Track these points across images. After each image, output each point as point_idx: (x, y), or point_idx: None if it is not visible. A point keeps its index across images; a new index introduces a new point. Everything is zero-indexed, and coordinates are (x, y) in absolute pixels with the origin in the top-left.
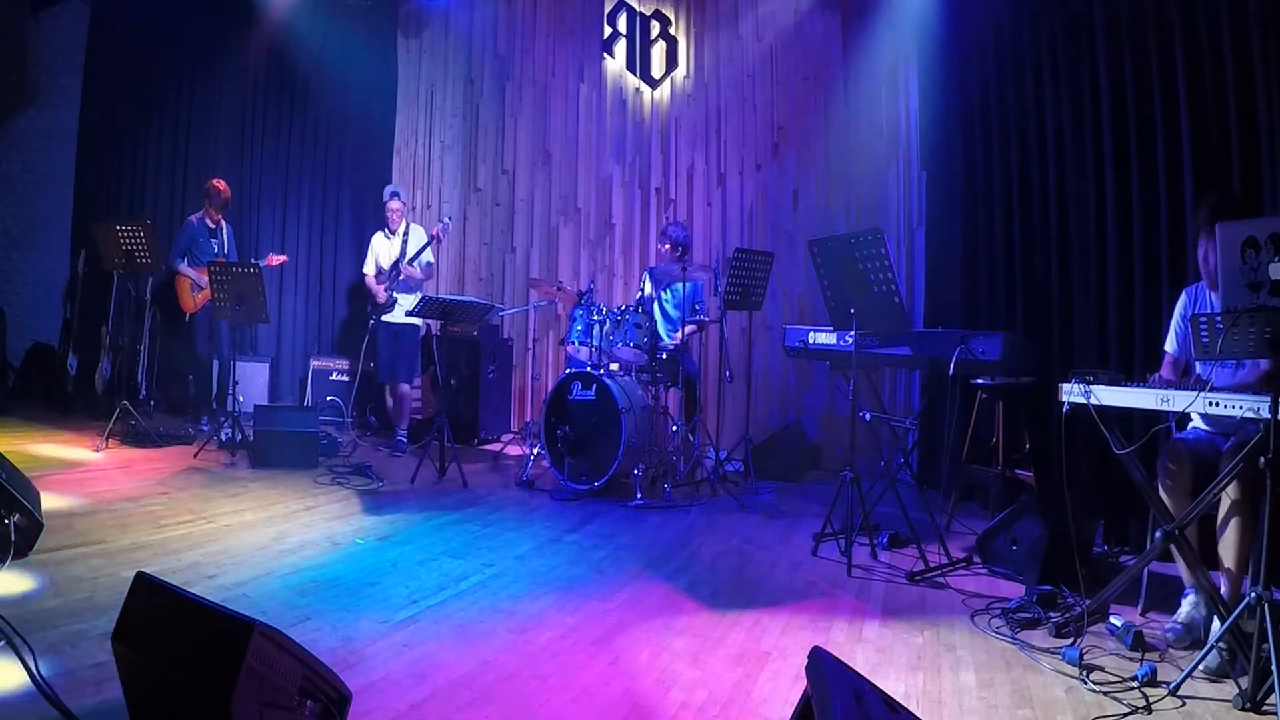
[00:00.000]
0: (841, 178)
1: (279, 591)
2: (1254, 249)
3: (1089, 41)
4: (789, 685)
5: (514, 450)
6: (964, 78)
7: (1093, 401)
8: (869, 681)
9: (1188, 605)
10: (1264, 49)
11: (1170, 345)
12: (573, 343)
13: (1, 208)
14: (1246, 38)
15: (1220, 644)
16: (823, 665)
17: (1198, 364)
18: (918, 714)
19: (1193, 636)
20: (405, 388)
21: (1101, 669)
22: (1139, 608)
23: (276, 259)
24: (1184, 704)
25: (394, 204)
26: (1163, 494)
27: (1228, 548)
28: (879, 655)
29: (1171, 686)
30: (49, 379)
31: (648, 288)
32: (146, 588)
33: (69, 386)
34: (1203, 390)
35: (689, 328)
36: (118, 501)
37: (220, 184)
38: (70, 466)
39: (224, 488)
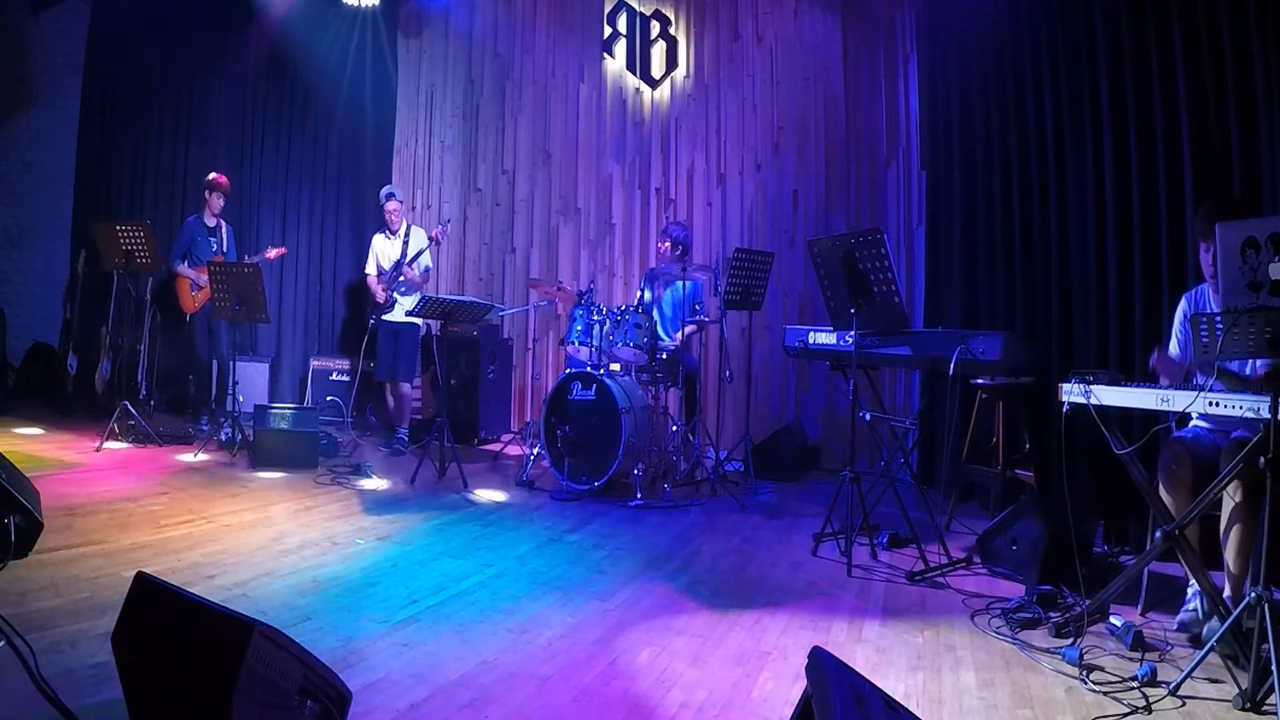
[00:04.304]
0: (841, 178)
1: (279, 591)
2: (1254, 249)
3: (1089, 41)
4: (789, 685)
5: (514, 450)
6: (964, 77)
7: (1093, 401)
8: (869, 681)
9: (1195, 599)
10: (1264, 49)
11: (1173, 350)
12: (573, 343)
13: (1, 208)
14: (1246, 38)
15: (1220, 644)
16: (823, 665)
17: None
18: (918, 714)
19: (1200, 627)
20: (405, 387)
21: (1101, 669)
22: (1139, 608)
23: (275, 251)
24: (1184, 704)
25: (391, 205)
26: (1163, 493)
27: (1231, 548)
28: (879, 655)
29: (1171, 686)
30: (49, 379)
31: (646, 295)
32: (146, 588)
33: (69, 386)
34: (1203, 390)
35: (689, 328)
36: (118, 501)
37: (220, 177)
38: (70, 466)
39: (224, 488)
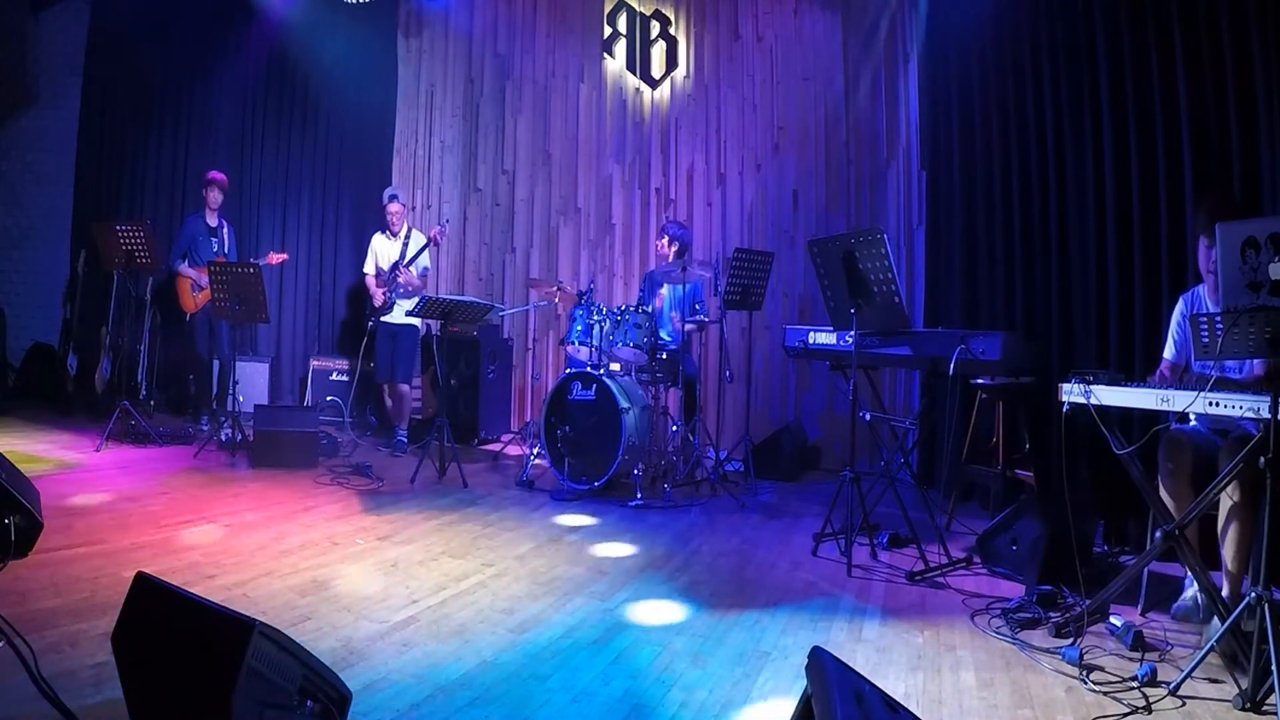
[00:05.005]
0: (841, 178)
1: (279, 591)
2: (1254, 249)
3: (1089, 41)
4: (789, 685)
5: (514, 450)
6: (964, 78)
7: (1093, 401)
8: (869, 681)
9: (1191, 590)
10: (1264, 49)
11: (1169, 352)
12: (573, 343)
13: (1, 208)
14: (1246, 37)
15: (1219, 644)
16: (823, 665)
17: (1195, 365)
18: (918, 714)
19: (1198, 617)
20: (404, 388)
21: (1101, 669)
22: (1139, 608)
23: (277, 257)
24: (1184, 704)
25: (394, 206)
26: (1163, 489)
27: (1228, 547)
28: (879, 655)
29: (1171, 686)
30: (49, 379)
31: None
32: (146, 588)
33: (69, 386)
34: (1203, 390)
35: (688, 325)
36: (118, 501)
37: (216, 174)
38: (70, 466)
39: (224, 488)
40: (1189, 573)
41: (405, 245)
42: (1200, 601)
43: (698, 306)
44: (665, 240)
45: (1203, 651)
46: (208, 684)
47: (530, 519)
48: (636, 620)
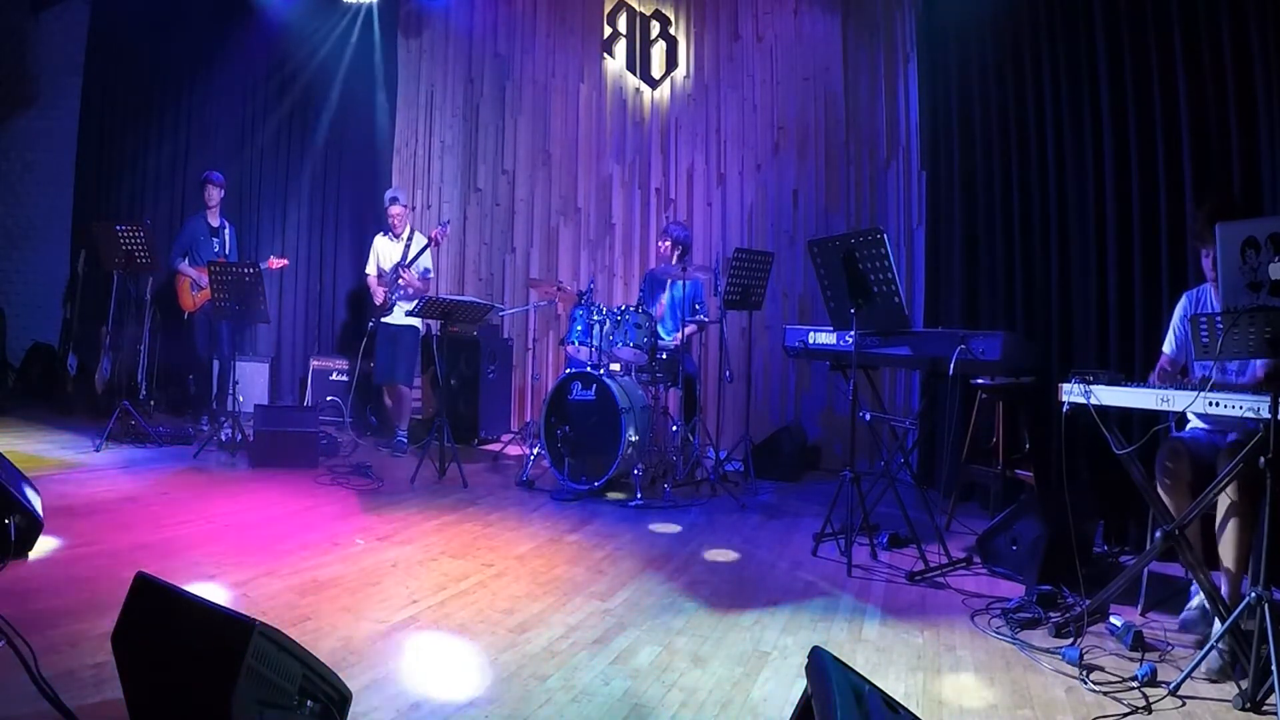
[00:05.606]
0: (841, 178)
1: (279, 591)
2: (1254, 249)
3: (1089, 41)
4: (789, 685)
5: (514, 450)
6: (964, 77)
7: (1093, 401)
8: (869, 681)
9: (1197, 599)
10: (1264, 48)
11: (1168, 347)
12: (573, 343)
13: (1, 208)
14: (1246, 37)
15: (1220, 644)
16: (823, 665)
17: (1196, 365)
18: (918, 714)
19: (1203, 628)
20: (404, 388)
21: (1101, 669)
22: (1139, 608)
23: (277, 262)
24: (1184, 704)
25: (395, 209)
26: (1162, 493)
27: (1227, 548)
28: (879, 655)
29: (1171, 686)
30: (49, 379)
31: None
32: (146, 588)
33: (69, 386)
34: (1203, 390)
35: (689, 328)
36: (118, 501)
37: (214, 174)
38: (70, 466)
39: (224, 488)
40: (1193, 580)
41: (408, 247)
42: (1206, 611)
43: (698, 306)
44: (669, 243)
45: (1203, 651)
46: (208, 684)
47: (530, 519)
48: (637, 620)
